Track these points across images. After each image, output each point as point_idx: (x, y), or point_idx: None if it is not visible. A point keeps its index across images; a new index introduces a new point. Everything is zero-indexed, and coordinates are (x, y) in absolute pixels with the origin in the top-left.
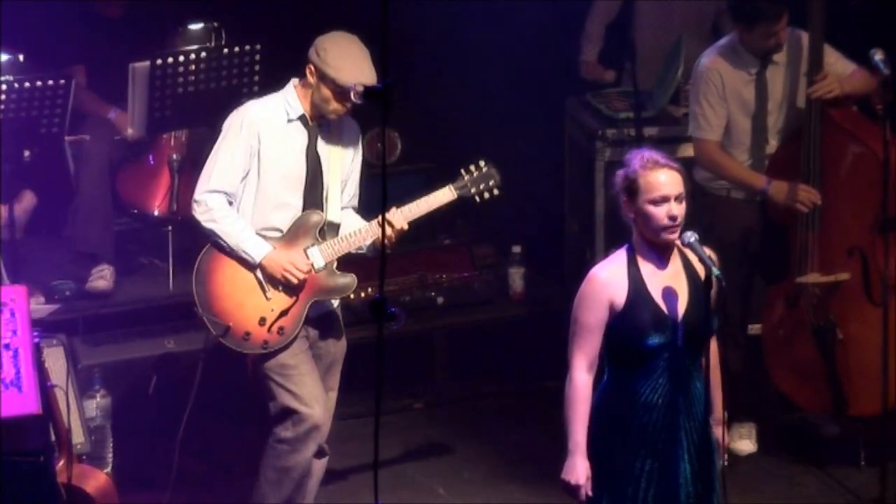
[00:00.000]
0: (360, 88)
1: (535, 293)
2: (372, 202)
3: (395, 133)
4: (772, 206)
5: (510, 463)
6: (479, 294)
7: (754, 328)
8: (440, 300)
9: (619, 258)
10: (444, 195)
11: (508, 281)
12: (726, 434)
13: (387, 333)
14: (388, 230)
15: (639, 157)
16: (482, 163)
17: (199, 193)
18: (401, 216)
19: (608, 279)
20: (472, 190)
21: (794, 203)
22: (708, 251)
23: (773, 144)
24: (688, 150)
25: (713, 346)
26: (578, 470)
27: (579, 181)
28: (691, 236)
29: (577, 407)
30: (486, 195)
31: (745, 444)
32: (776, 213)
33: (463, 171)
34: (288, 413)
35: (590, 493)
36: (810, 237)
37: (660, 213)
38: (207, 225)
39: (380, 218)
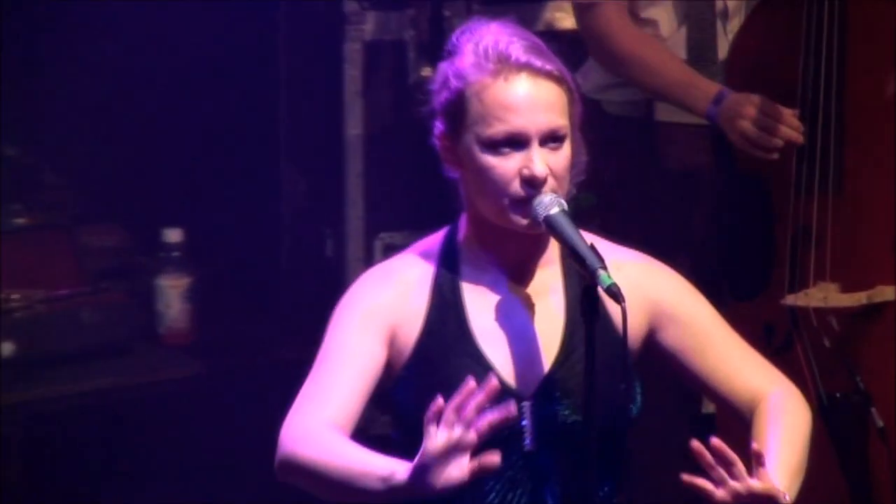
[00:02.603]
0: None
1: (216, 330)
2: None
3: None
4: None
5: None
6: (95, 333)
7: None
8: (7, 349)
9: (425, 252)
10: None
11: (157, 305)
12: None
13: None
14: None
15: (473, 42)
16: None
17: None
18: None
19: (397, 287)
20: None
21: (756, 145)
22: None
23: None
24: (566, 20)
25: (780, 394)
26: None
27: (310, 90)
28: (551, 203)
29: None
30: None
31: None
32: (747, 155)
33: None
34: None
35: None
36: (818, 209)
37: (506, 168)
38: None
39: None
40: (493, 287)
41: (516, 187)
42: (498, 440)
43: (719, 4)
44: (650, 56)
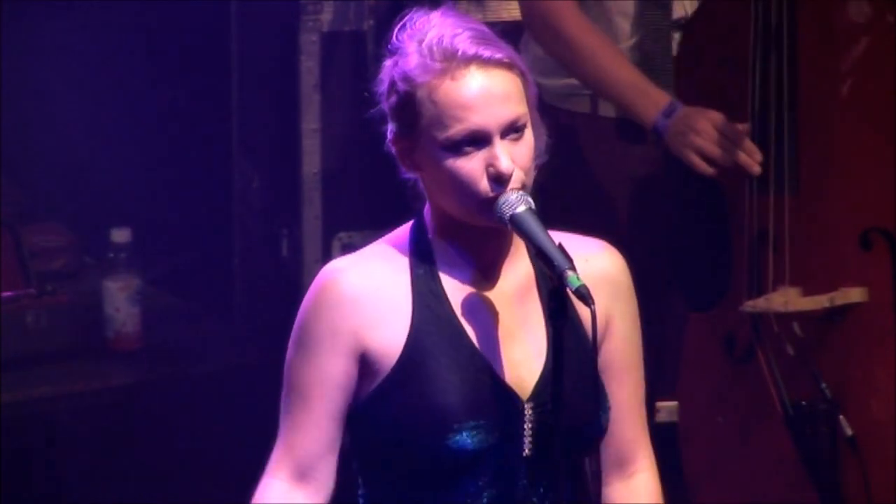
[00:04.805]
0: None
1: (166, 334)
2: None
3: None
4: None
5: None
6: (40, 337)
7: (663, 407)
8: None
9: (393, 248)
10: None
11: (105, 308)
12: None
13: None
14: None
15: (416, 41)
16: None
17: None
18: None
19: (366, 287)
20: None
21: (712, 162)
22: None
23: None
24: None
25: (646, 480)
26: None
27: (265, 83)
28: (517, 201)
29: None
30: None
31: None
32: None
33: None
34: None
35: None
36: (774, 211)
37: (471, 168)
38: None
39: None
40: (472, 285)
41: (484, 187)
42: (488, 444)
43: (679, 10)
44: (601, 49)
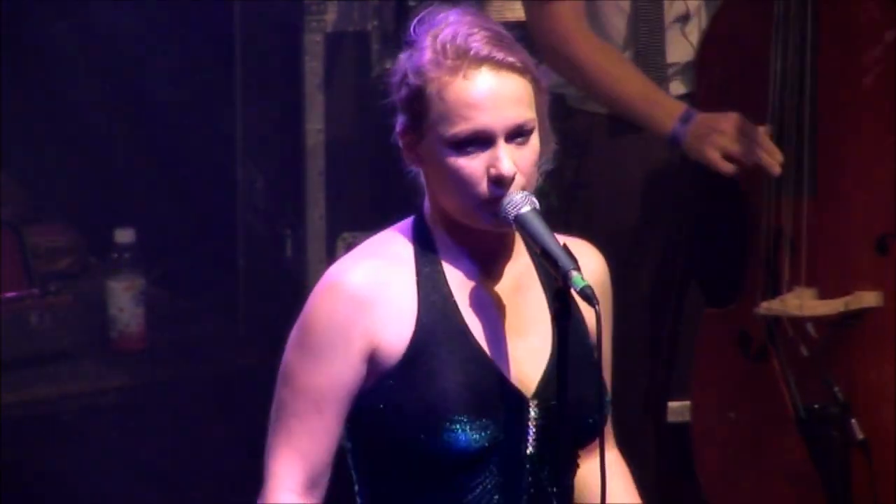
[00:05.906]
0: None
1: (171, 334)
2: None
3: None
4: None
5: None
6: (43, 338)
7: (675, 407)
8: None
9: (395, 244)
10: None
11: (109, 308)
12: None
13: None
14: None
15: (431, 35)
16: None
17: None
18: None
19: (373, 287)
20: None
21: (736, 161)
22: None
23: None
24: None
25: (616, 457)
26: None
27: (269, 83)
28: (522, 202)
29: None
30: None
31: None
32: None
33: None
34: None
35: None
36: (792, 212)
37: (473, 168)
38: None
39: None
40: (476, 281)
41: (484, 188)
42: (491, 441)
43: (679, 6)
44: (611, 66)
